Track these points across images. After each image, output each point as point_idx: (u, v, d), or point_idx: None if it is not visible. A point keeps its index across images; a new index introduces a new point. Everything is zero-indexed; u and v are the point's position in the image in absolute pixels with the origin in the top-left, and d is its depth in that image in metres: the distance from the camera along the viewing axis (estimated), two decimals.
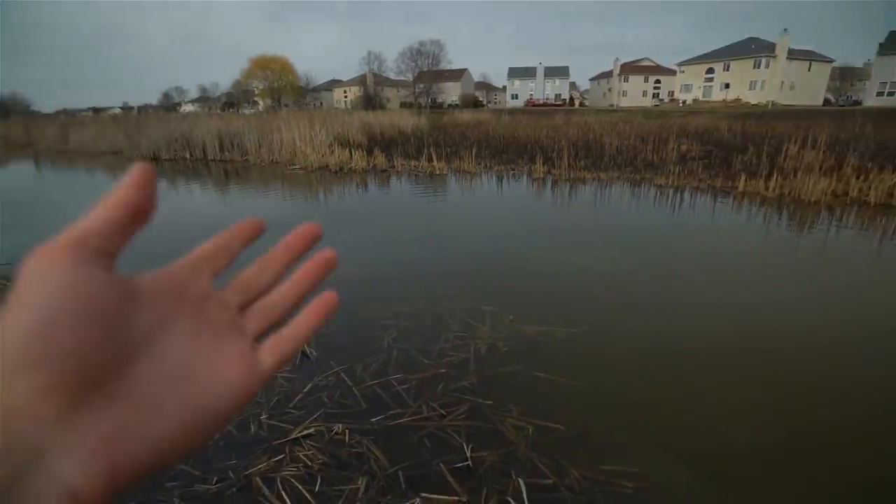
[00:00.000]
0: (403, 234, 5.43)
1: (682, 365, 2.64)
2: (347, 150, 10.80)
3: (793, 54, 49.87)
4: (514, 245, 4.96)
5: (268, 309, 0.25)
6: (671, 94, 60.57)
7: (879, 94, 42.99)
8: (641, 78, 66.17)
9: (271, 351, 0.24)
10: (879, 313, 3.30)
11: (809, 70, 51.97)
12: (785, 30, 48.65)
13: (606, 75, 70.87)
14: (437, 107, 54.66)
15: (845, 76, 59.49)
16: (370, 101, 54.63)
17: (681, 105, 49.49)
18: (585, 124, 15.70)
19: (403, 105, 55.47)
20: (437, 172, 9.37)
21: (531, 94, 70.95)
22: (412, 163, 10.15)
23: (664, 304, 3.44)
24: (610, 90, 67.70)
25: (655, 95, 65.18)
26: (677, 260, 4.56)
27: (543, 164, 9.23)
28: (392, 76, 65.63)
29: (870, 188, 6.50)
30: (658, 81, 66.15)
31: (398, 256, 4.62)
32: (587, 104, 67.86)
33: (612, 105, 53.49)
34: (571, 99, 66.67)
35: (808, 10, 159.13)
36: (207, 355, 0.22)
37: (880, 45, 43.22)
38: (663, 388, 2.43)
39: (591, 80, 78.65)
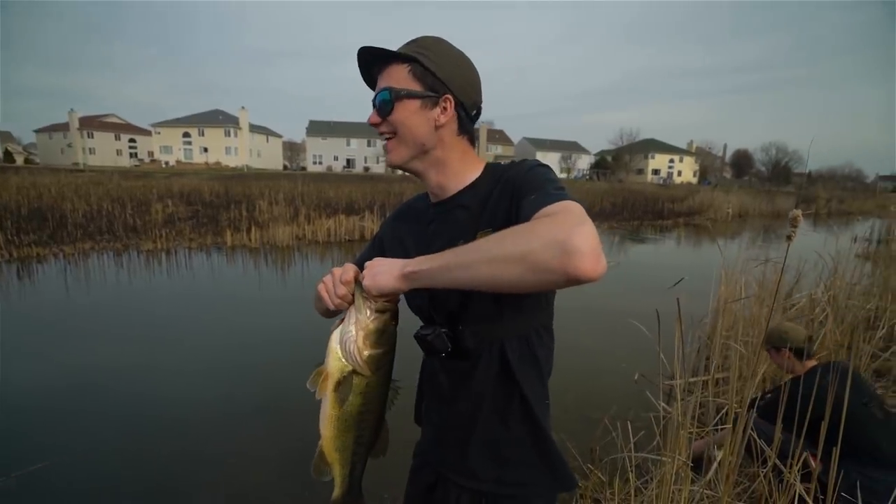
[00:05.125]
0: None
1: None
2: None
3: (253, 128, 60.13)
4: None
5: None
6: (151, 154, 58.02)
7: (314, 162, 59.71)
8: (112, 135, 59.35)
9: None
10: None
11: (268, 142, 64.44)
12: (243, 107, 57.90)
13: (61, 128, 58.49)
14: None
15: (292, 149, 78.13)
16: None
17: (164, 166, 48.41)
18: (35, 187, 12.28)
19: None
20: None
21: None
22: None
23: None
24: (70, 146, 56.37)
25: (134, 155, 60.28)
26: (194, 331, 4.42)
27: None
28: None
29: (316, 231, 8.88)
30: (133, 140, 61.55)
31: None
32: (38, 161, 53.10)
33: (76, 164, 44.44)
34: (8, 154, 49.99)
35: (259, 94, 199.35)
36: None
37: (307, 129, 60.08)
38: None
39: (39, 131, 62.67)
